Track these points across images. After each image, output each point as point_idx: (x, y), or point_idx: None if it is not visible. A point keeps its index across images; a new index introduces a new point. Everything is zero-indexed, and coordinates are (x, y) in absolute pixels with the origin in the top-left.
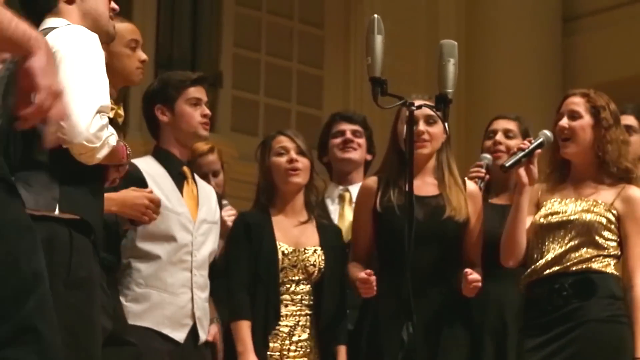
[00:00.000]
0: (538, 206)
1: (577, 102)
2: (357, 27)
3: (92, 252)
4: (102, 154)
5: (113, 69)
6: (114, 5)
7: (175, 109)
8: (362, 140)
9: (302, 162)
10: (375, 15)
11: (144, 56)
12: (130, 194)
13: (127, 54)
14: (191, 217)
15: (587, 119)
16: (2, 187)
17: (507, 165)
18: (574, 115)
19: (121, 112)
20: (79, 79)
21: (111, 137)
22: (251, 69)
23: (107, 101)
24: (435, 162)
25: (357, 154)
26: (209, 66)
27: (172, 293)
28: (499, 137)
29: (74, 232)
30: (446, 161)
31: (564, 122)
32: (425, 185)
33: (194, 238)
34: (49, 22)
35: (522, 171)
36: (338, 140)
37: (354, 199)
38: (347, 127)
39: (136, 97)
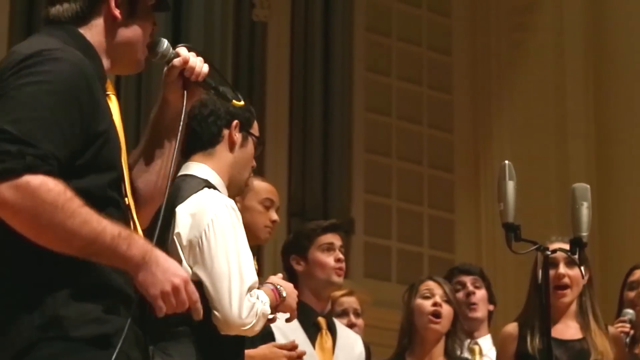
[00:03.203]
0: None
1: None
2: (486, 170)
3: None
4: (259, 326)
5: (243, 222)
6: (254, 162)
7: (309, 257)
8: (482, 292)
9: (446, 310)
10: (507, 162)
11: (275, 217)
12: (271, 351)
13: (260, 210)
14: None
15: None
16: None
17: None
18: None
19: (255, 265)
20: (226, 265)
21: (264, 306)
22: (382, 214)
23: (254, 277)
24: (578, 306)
25: (479, 313)
26: (341, 213)
27: None
28: None
29: None
30: (590, 304)
31: None
32: (568, 329)
33: None
34: (193, 167)
35: None
36: (461, 294)
37: (483, 352)
38: (467, 278)
39: (269, 247)
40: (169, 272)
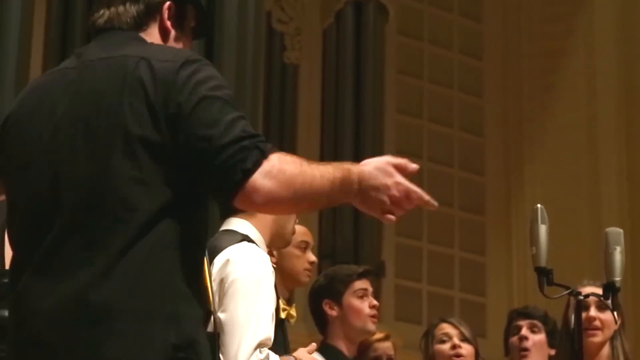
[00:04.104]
0: None
1: None
2: (518, 213)
3: None
4: None
5: (282, 268)
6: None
7: (343, 302)
8: (538, 337)
9: (466, 349)
10: (539, 205)
11: (313, 258)
12: None
13: (297, 254)
14: None
15: None
16: None
17: None
18: None
19: (293, 312)
20: (245, 317)
21: None
22: (413, 257)
23: (268, 333)
24: (610, 350)
25: (532, 358)
26: (371, 256)
27: None
28: None
29: None
30: (621, 348)
31: None
32: None
33: None
34: (234, 222)
35: None
36: (515, 339)
37: None
38: (523, 322)
39: (299, 288)
40: (377, 182)
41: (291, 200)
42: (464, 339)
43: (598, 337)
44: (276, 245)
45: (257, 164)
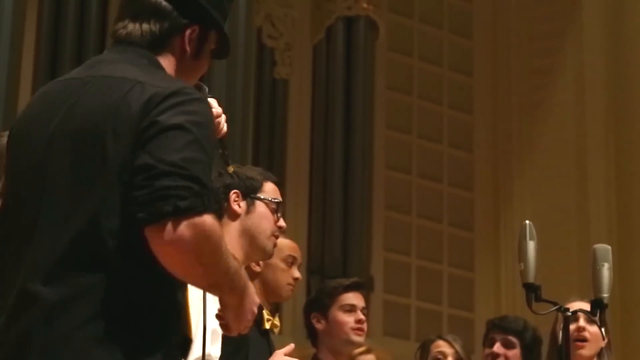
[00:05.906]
0: None
1: None
2: (506, 229)
3: None
4: None
5: (265, 280)
6: (282, 223)
7: (329, 316)
8: (514, 352)
9: None
10: (527, 221)
11: (297, 274)
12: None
13: (282, 268)
14: None
15: None
16: None
17: None
18: None
19: (277, 322)
20: None
21: None
22: (402, 272)
23: (197, 354)
24: None
25: None
26: (360, 271)
27: None
28: None
29: None
30: None
31: None
32: None
33: None
34: None
35: None
36: (487, 353)
37: None
38: (498, 337)
39: (288, 305)
40: (253, 301)
41: (190, 261)
42: (458, 358)
43: (586, 350)
44: (256, 257)
45: (192, 211)
